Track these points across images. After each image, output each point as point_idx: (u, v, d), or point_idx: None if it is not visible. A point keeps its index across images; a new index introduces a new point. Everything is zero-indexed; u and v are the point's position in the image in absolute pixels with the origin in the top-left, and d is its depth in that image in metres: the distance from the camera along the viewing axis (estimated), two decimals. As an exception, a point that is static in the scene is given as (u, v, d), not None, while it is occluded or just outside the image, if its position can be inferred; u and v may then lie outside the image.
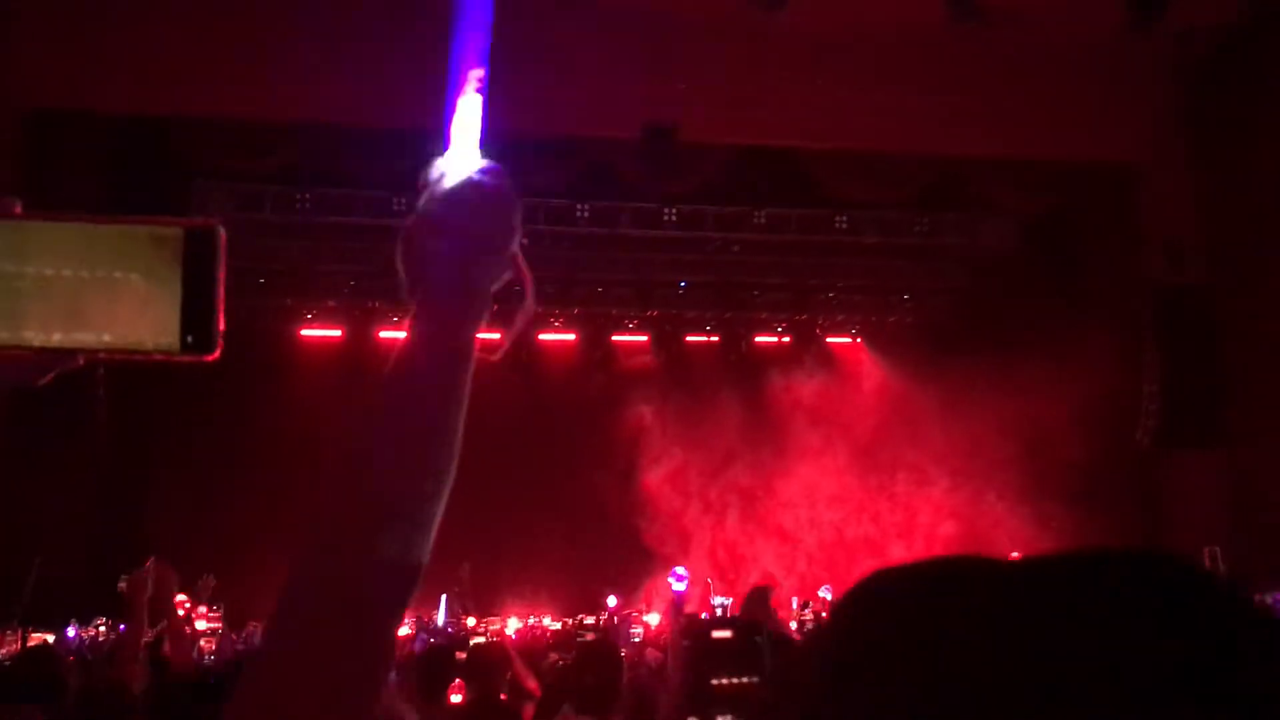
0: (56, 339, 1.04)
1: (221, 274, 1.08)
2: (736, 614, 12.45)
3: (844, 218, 14.82)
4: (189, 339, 1.05)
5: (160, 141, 12.32)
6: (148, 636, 5.52)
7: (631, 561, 15.87)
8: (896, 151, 12.59)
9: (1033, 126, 11.69)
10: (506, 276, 1.18)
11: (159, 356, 1.05)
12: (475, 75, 1.22)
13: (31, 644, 10.03)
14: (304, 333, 16.44)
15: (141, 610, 5.18)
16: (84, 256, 1.05)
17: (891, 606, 0.64)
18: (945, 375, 14.56)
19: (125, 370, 12.17)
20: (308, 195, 13.68)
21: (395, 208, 13.85)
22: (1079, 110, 11.43)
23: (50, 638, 10.65)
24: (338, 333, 16.44)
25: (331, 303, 16.13)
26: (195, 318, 1.06)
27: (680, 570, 7.40)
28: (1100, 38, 10.71)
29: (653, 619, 12.99)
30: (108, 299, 1.05)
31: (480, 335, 1.15)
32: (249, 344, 14.69)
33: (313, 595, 0.98)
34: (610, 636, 10.46)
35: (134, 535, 13.73)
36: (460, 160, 1.18)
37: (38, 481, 12.46)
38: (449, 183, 1.16)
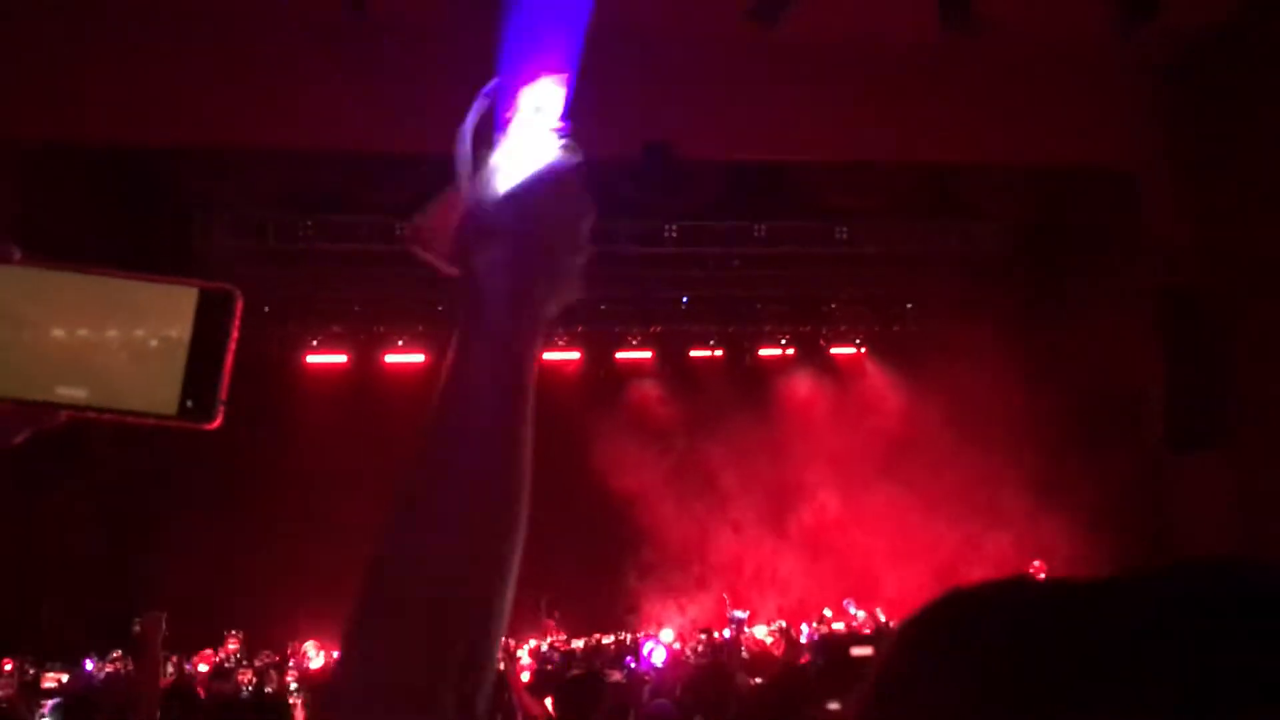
0: (41, 393, 0.97)
1: (233, 340, 1.01)
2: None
3: (843, 229, 14.89)
4: (188, 404, 0.99)
5: (161, 172, 12.39)
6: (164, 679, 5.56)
7: (641, 579, 15.90)
8: (893, 161, 12.65)
9: (1024, 133, 11.73)
10: (572, 297, 1.02)
11: (152, 421, 0.98)
12: (566, 65, 1.05)
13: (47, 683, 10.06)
14: (309, 359, 16.49)
15: (156, 651, 5.21)
16: (84, 308, 0.99)
17: (973, 630, 0.63)
18: (949, 383, 14.59)
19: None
20: (310, 222, 13.74)
21: (399, 233, 13.94)
22: (1070, 115, 11.47)
23: (64, 677, 10.67)
24: (343, 358, 16.48)
25: (336, 328, 16.19)
26: (198, 382, 0.99)
27: (650, 646, 7.45)
28: (1088, 43, 10.77)
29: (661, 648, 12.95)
30: (104, 354, 0.98)
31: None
32: (254, 371, 14.74)
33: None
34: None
35: (142, 567, 13.76)
36: (532, 144, 1.02)
37: (45, 515, 12.51)
38: (516, 172, 0.99)
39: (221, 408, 1.00)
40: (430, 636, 0.87)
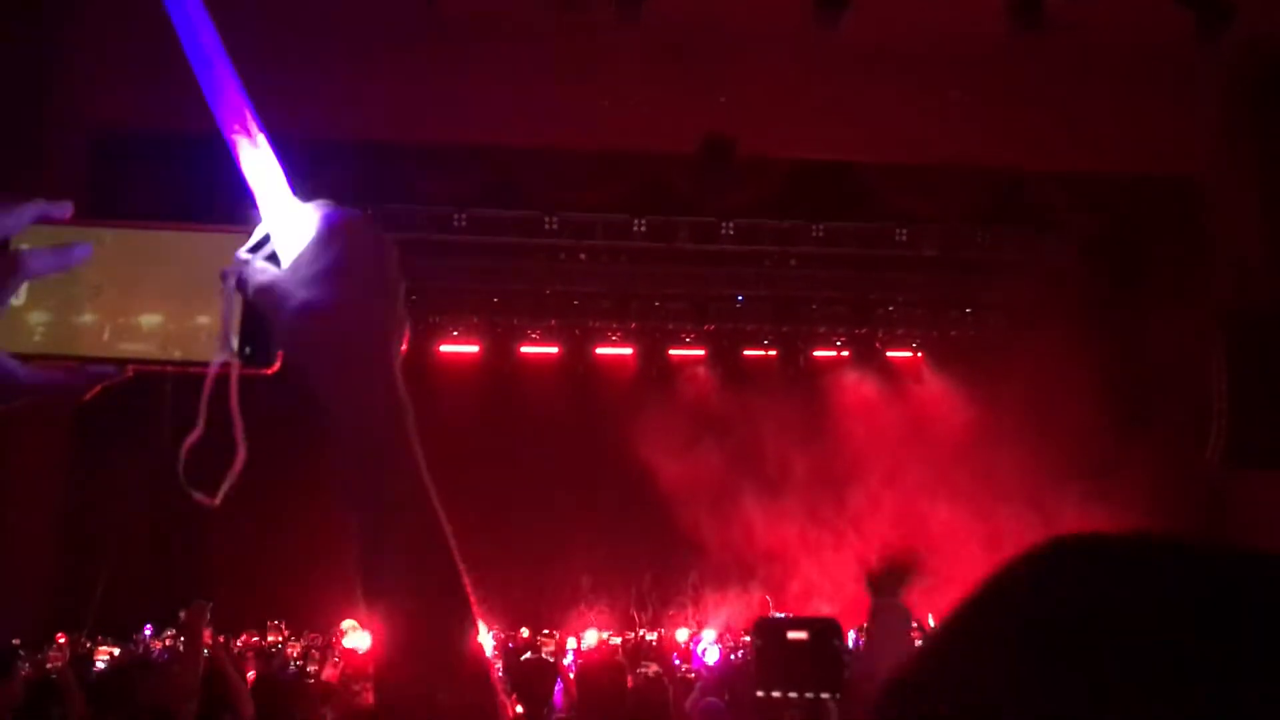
0: (106, 351, 0.97)
1: None
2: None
3: (903, 231, 14.72)
4: (248, 350, 0.97)
5: (225, 161, 12.51)
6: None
7: (686, 578, 15.85)
8: (956, 165, 12.48)
9: (1095, 140, 11.53)
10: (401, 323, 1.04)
11: (215, 370, 0.97)
12: (248, 123, 1.06)
13: (100, 657, 10.22)
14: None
15: (199, 640, 5.31)
16: (139, 263, 0.99)
17: (1087, 577, 0.58)
18: (1007, 391, 14.37)
19: (190, 381, 12.35)
20: (369, 210, 13.79)
21: (456, 223, 14.00)
22: (1142, 123, 11.26)
23: (116, 650, 10.83)
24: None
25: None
26: (255, 328, 0.97)
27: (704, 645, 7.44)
28: (1164, 50, 10.54)
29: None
30: (162, 308, 0.98)
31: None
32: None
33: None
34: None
35: (196, 547, 13.94)
36: (292, 216, 1.01)
37: (104, 493, 12.71)
38: (297, 249, 0.98)
39: (280, 352, 0.98)
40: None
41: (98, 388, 0.99)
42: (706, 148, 11.86)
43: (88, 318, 0.98)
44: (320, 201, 1.00)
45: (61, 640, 10.25)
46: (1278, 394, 11.48)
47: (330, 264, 0.95)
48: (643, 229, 14.61)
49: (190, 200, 12.50)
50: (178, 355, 0.98)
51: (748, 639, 13.36)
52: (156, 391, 12.40)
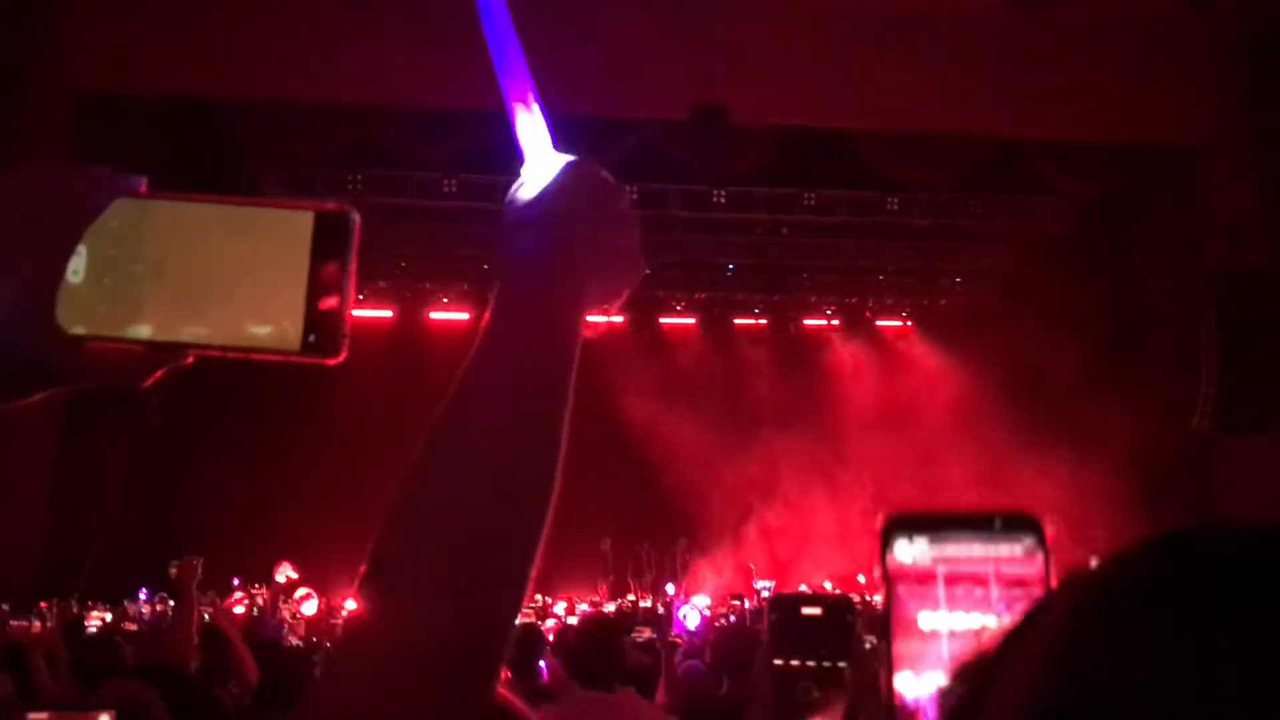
0: (168, 333, 0.92)
1: (353, 267, 0.95)
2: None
3: (894, 199, 14.68)
4: (311, 338, 0.93)
5: (212, 124, 12.44)
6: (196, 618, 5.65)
7: (676, 545, 15.92)
8: (949, 132, 12.44)
9: (1088, 107, 11.50)
10: (631, 279, 1.14)
11: (276, 357, 0.93)
12: (527, 92, 1.16)
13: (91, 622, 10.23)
14: (354, 313, 16.52)
15: (191, 593, 5.38)
16: (203, 241, 0.94)
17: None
18: (996, 359, 14.41)
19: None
20: (359, 176, 13.75)
21: (445, 189, 13.93)
22: (1136, 90, 11.23)
23: (108, 616, 10.83)
24: (389, 313, 16.55)
25: (382, 283, 16.24)
26: (320, 315, 0.93)
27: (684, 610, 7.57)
28: (1159, 16, 10.51)
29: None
30: (225, 290, 0.93)
31: (581, 323, 1.08)
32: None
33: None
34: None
35: (187, 514, 13.96)
36: (542, 164, 1.11)
37: (92, 459, 12.70)
38: (538, 183, 1.08)
39: (346, 341, 0.94)
40: (452, 583, 0.87)
41: (159, 373, 0.94)
42: (698, 114, 11.80)
43: (150, 298, 0.92)
44: (573, 156, 1.11)
45: (43, 606, 10.23)
46: (1266, 360, 11.53)
47: (557, 193, 1.06)
48: (634, 196, 14.52)
49: (171, 160, 12.44)
50: (238, 343, 0.93)
51: (735, 604, 13.45)
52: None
